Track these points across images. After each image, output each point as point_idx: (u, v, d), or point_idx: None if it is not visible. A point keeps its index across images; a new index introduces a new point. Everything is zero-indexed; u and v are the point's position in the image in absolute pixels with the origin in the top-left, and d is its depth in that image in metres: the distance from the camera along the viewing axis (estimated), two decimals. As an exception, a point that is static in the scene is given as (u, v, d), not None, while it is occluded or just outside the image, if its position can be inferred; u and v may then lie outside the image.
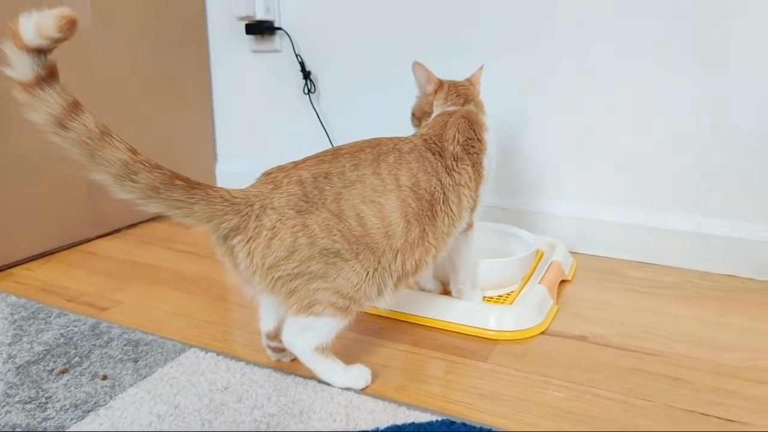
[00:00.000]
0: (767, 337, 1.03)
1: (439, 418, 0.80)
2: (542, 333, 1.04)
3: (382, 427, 0.78)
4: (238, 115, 1.84)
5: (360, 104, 1.62)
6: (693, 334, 1.04)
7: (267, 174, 0.88)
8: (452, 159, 0.98)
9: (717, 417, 0.81)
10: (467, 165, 0.98)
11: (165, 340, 1.02)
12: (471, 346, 1.01)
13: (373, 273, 0.86)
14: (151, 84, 1.65)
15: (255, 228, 0.81)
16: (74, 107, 0.71)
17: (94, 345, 1.01)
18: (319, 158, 0.89)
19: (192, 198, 0.79)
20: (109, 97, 1.54)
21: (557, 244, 1.33)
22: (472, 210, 1.01)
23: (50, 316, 1.11)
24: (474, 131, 1.02)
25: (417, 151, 0.95)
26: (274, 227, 0.81)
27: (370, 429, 0.78)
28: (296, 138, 1.72)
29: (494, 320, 1.04)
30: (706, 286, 1.25)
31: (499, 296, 1.14)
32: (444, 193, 0.94)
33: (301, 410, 0.82)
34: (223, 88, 1.84)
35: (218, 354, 0.97)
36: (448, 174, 0.96)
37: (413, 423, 0.79)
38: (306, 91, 1.64)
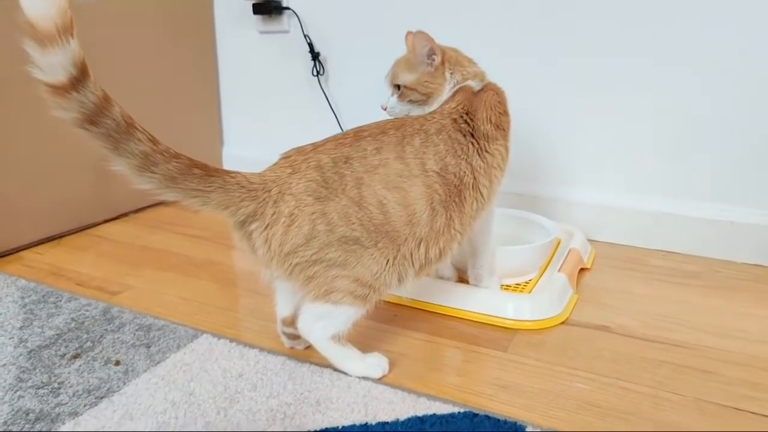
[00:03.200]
0: (797, 329, 1.00)
1: (461, 410, 0.77)
2: (563, 323, 1.01)
3: (402, 418, 0.76)
4: (245, 97, 1.80)
5: (370, 86, 1.57)
6: (720, 326, 1.00)
7: (285, 157, 0.85)
8: (485, 139, 0.92)
9: (750, 412, 0.78)
10: (500, 145, 0.94)
11: (177, 325, 1.00)
12: (489, 335, 0.98)
13: (393, 261, 0.83)
14: (155, 65, 1.62)
15: (272, 215, 0.79)
16: (105, 103, 0.68)
17: (106, 330, 0.99)
18: (339, 141, 0.85)
19: (209, 186, 0.76)
20: (112, 78, 1.49)
21: (575, 232, 1.30)
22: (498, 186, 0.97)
23: (61, 300, 1.09)
24: (504, 106, 0.97)
25: (445, 131, 0.90)
26: (292, 214, 0.79)
27: (389, 420, 0.76)
28: (304, 121, 1.69)
29: (513, 309, 1.01)
30: (731, 275, 1.21)
31: (517, 284, 1.11)
32: (474, 177, 0.90)
33: (318, 399, 0.80)
34: (230, 70, 1.80)
35: (231, 341, 0.95)
36: (480, 156, 0.91)
37: (434, 414, 0.76)
38: (315, 72, 1.60)
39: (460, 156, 0.89)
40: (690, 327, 1.00)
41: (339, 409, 0.78)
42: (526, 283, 1.11)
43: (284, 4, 1.62)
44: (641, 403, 0.80)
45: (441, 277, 1.10)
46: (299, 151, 0.85)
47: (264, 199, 0.79)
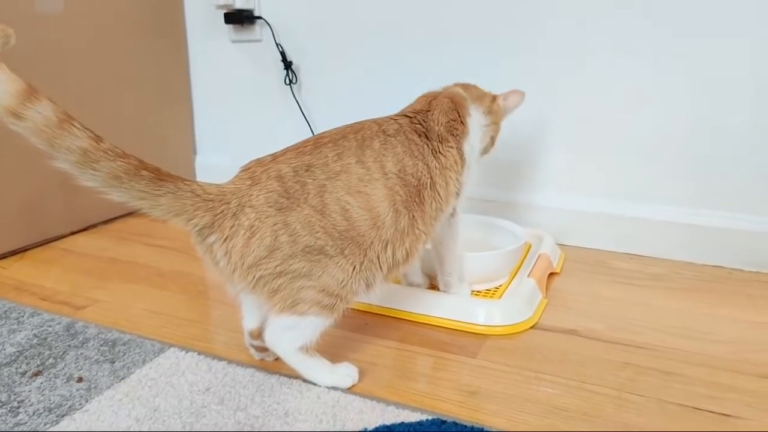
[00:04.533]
0: (758, 328, 1.02)
1: (429, 417, 0.77)
2: (532, 327, 1.03)
3: (370, 428, 0.76)
4: (218, 106, 1.79)
5: (343, 95, 1.58)
6: (683, 327, 1.03)
7: (245, 169, 0.84)
8: (438, 140, 0.94)
9: (711, 411, 0.80)
10: (452, 147, 0.95)
11: (143, 339, 0.98)
12: (460, 341, 0.98)
13: (360, 267, 0.83)
14: (127, 74, 1.60)
15: (231, 227, 0.78)
16: (28, 95, 0.67)
17: (69, 345, 0.97)
18: (299, 150, 0.85)
19: (158, 190, 0.75)
20: (83, 87, 1.48)
21: (545, 236, 1.31)
22: (458, 195, 0.98)
23: (23, 316, 1.07)
24: (458, 113, 0.99)
25: (403, 132, 0.91)
26: (253, 226, 0.78)
27: (358, 429, 0.75)
28: (278, 130, 1.68)
29: (483, 315, 1.02)
30: (693, 277, 1.24)
31: (487, 290, 1.12)
32: (431, 178, 0.91)
33: (286, 411, 0.80)
34: (202, 79, 1.79)
35: (199, 353, 0.93)
36: (435, 157, 0.92)
37: (403, 423, 0.77)
38: (287, 81, 1.60)
39: (417, 157, 0.90)
40: (653, 329, 1.02)
41: (307, 420, 0.78)
42: (497, 288, 1.12)
43: (256, 14, 1.61)
44: (605, 405, 0.81)
45: (411, 284, 1.10)
46: (259, 162, 0.84)
47: (222, 212, 0.78)
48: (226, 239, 0.78)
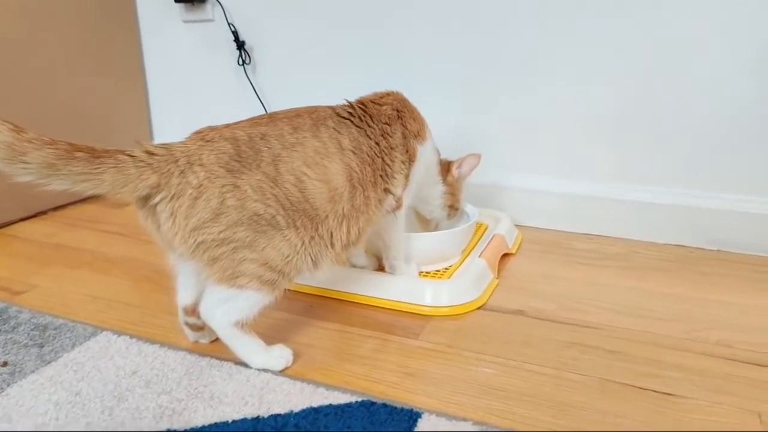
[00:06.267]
0: (708, 307, 1.00)
1: (359, 399, 0.74)
2: (479, 308, 1.00)
3: (296, 410, 0.73)
4: (173, 89, 1.74)
5: (297, 75, 1.54)
6: (634, 306, 1.00)
7: (197, 132, 0.81)
8: (386, 122, 0.94)
9: (653, 390, 0.77)
10: (398, 129, 0.95)
11: (76, 323, 0.95)
12: (404, 322, 0.96)
13: (309, 242, 0.80)
14: (77, 57, 1.55)
15: (179, 185, 0.74)
16: None
17: (0, 330, 0.93)
18: (254, 121, 0.84)
19: (98, 168, 0.71)
20: (31, 74, 1.44)
21: (502, 217, 1.29)
22: (405, 182, 0.96)
23: (-44, 302, 1.03)
24: (410, 111, 0.99)
25: (357, 116, 0.91)
26: (201, 185, 0.74)
27: (283, 412, 0.73)
28: (232, 112, 1.62)
29: (430, 295, 0.99)
30: (651, 256, 1.22)
31: (437, 271, 1.09)
32: (382, 158, 0.91)
33: (212, 394, 0.77)
34: (155, 61, 1.74)
35: (131, 337, 0.90)
36: (383, 137, 0.92)
37: (330, 405, 0.74)
38: (240, 62, 1.56)
39: (369, 137, 0.90)
40: (603, 308, 1.00)
41: (232, 403, 0.75)
42: (446, 269, 1.10)
43: (207, -8, 1.57)
44: (543, 384, 0.79)
45: (355, 266, 1.07)
46: (212, 128, 0.82)
47: (169, 170, 0.74)
48: (172, 197, 0.74)
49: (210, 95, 1.68)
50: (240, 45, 1.54)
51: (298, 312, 0.99)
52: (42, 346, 0.89)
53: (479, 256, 1.10)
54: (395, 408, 0.73)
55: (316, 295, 1.04)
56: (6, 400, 0.76)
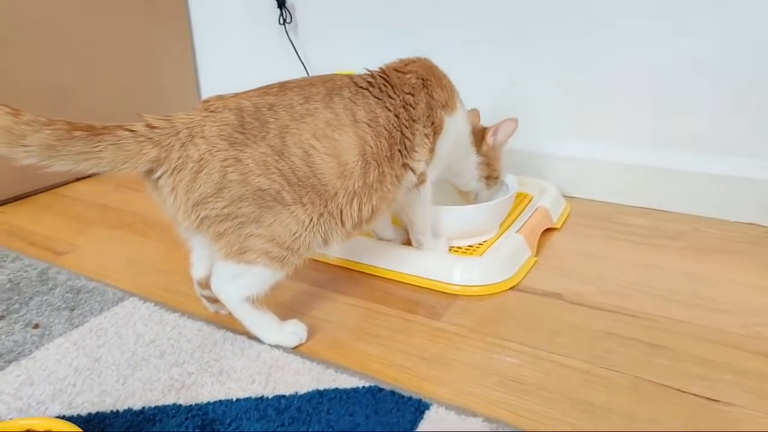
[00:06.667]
0: (777, 298, 0.89)
1: (367, 385, 0.71)
2: (512, 288, 0.93)
3: (302, 392, 0.71)
4: (218, 48, 1.72)
5: (340, 36, 1.47)
6: (687, 293, 0.90)
7: (205, 101, 0.78)
8: (410, 92, 0.87)
9: (694, 394, 0.69)
10: (422, 99, 0.88)
11: (107, 288, 0.97)
12: (429, 301, 0.91)
13: (318, 219, 0.77)
14: (125, 19, 1.56)
15: (179, 158, 0.72)
16: None
17: (38, 291, 0.97)
18: (264, 90, 0.80)
19: (97, 146, 0.69)
20: (78, 35, 1.46)
21: (548, 188, 1.19)
22: (429, 157, 0.89)
23: (6, 260, 1.08)
24: (436, 79, 0.91)
25: (376, 85, 0.85)
26: (202, 158, 0.72)
27: (288, 393, 0.71)
28: (274, 73, 1.59)
29: (459, 273, 0.93)
30: (717, 235, 1.09)
31: (469, 246, 1.02)
32: (401, 131, 0.85)
33: (221, 369, 0.76)
34: (202, 21, 1.71)
35: (156, 304, 0.91)
36: (405, 109, 0.86)
37: (337, 389, 0.71)
38: (281, 21, 1.50)
39: (388, 108, 0.84)
40: (651, 294, 0.90)
41: (240, 379, 0.74)
42: (480, 244, 1.03)
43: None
44: (569, 379, 0.72)
45: (382, 239, 1.03)
46: (220, 97, 0.78)
47: (170, 144, 0.72)
48: (173, 171, 0.72)
49: (253, 55, 1.64)
50: (281, 3, 1.48)
51: (321, 284, 0.96)
52: (73, 310, 0.91)
53: (517, 232, 1.02)
54: (403, 397, 0.69)
55: (342, 267, 1.01)
56: (32, 363, 0.79)
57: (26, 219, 1.28)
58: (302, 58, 1.52)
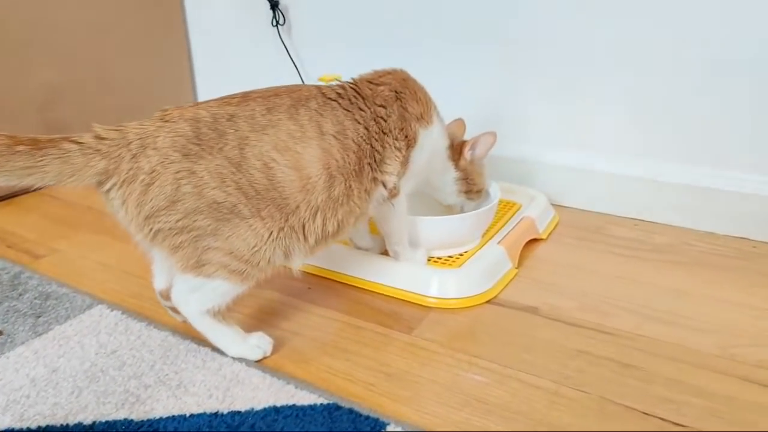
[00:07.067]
0: (761, 318, 0.85)
1: (324, 402, 0.69)
2: (488, 301, 0.91)
3: (258, 408, 0.69)
4: (213, 48, 1.70)
5: (333, 38, 1.45)
6: (668, 311, 0.87)
7: (162, 110, 0.76)
8: (381, 104, 0.85)
9: (660, 418, 0.66)
10: (394, 112, 0.85)
11: (77, 294, 0.95)
12: (402, 314, 0.88)
13: (278, 234, 0.75)
14: (121, 19, 1.55)
15: (129, 170, 0.70)
16: None
17: (7, 296, 0.96)
18: (224, 100, 0.77)
19: (41, 161, 0.67)
20: (72, 35, 1.45)
21: (537, 196, 1.16)
22: (401, 174, 0.87)
23: (-19, 264, 1.07)
24: (410, 91, 0.89)
25: (346, 97, 0.83)
26: (154, 171, 0.70)
27: (243, 410, 0.69)
28: (264, 75, 1.57)
29: (436, 285, 0.91)
30: (705, 249, 1.06)
31: (449, 257, 1.00)
32: (371, 144, 0.82)
33: (180, 382, 0.74)
34: (198, 21, 1.70)
35: (123, 312, 0.89)
36: (376, 121, 0.83)
37: (294, 405, 0.69)
38: (274, 23, 1.48)
39: (358, 121, 0.81)
40: (630, 311, 0.87)
41: (197, 394, 0.72)
42: (460, 255, 1.00)
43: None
44: (535, 400, 0.69)
45: (358, 248, 1.00)
46: (179, 106, 0.76)
47: (120, 155, 0.70)
48: (123, 183, 0.70)
49: (246, 56, 1.63)
50: (274, 4, 1.46)
51: (294, 293, 0.94)
52: (39, 317, 0.90)
53: (499, 243, 1.00)
54: (360, 415, 0.67)
55: (318, 276, 0.99)
56: (-10, 372, 0.78)
57: (8, 221, 1.27)
58: (294, 60, 1.50)
